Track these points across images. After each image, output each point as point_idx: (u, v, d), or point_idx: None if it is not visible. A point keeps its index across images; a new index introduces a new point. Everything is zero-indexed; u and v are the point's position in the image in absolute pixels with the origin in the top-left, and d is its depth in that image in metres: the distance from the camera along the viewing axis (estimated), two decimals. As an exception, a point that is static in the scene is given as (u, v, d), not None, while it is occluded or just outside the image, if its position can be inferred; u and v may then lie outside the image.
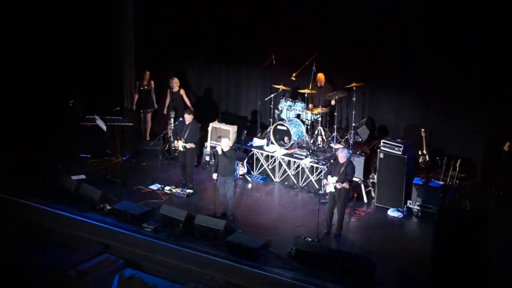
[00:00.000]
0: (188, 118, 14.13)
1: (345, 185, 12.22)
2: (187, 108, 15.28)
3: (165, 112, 16.18)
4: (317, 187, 13.97)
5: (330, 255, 11.52)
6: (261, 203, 13.98)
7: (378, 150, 13.77)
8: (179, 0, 17.37)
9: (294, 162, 14.67)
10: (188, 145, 13.98)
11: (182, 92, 16.09)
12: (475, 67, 14.10)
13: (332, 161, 12.66)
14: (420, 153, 14.09)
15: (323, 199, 12.87)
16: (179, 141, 14.06)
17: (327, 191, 12.45)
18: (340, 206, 12.50)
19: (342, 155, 12.38)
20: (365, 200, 14.01)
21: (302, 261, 11.64)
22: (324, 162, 14.17)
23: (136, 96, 16.50)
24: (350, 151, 13.95)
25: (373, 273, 11.29)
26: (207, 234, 12.28)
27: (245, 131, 15.20)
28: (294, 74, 15.20)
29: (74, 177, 14.29)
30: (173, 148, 14.94)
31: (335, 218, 12.65)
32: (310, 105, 15.05)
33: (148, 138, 16.50)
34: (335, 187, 12.25)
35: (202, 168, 15.09)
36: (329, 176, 12.40)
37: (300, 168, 14.62)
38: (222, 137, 13.66)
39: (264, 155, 15.06)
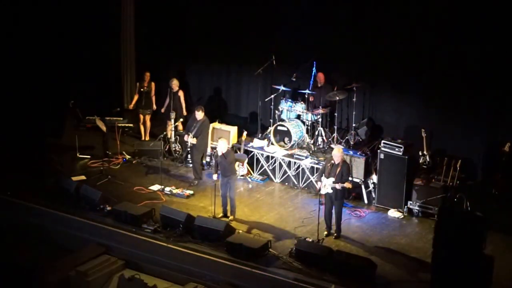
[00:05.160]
0: (197, 114, 14.34)
1: (347, 185, 12.19)
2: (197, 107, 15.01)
3: (162, 111, 16.18)
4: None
5: (331, 256, 11.50)
6: (261, 203, 13.97)
7: (379, 151, 13.75)
8: (179, 1, 17.36)
9: (295, 162, 14.65)
10: (190, 140, 14.27)
11: (180, 93, 16.05)
12: (476, 67, 14.08)
13: (323, 162, 12.56)
14: (420, 153, 14.06)
15: (323, 200, 12.84)
16: (188, 137, 14.29)
17: (323, 192, 12.42)
18: (337, 207, 12.48)
19: (338, 155, 12.34)
20: (366, 200, 13.99)
21: (303, 261, 11.62)
22: (324, 163, 14.12)
23: (136, 97, 16.49)
24: (351, 151, 14.01)
25: (374, 274, 11.27)
26: (207, 235, 12.26)
27: (246, 132, 15.17)
28: (294, 75, 15.19)
29: (74, 178, 14.29)
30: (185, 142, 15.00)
31: (334, 219, 12.63)
32: (311, 98, 14.99)
33: (147, 139, 16.50)
34: (333, 188, 12.22)
35: (203, 168, 15.08)
36: (323, 178, 12.37)
37: (300, 169, 14.60)
38: (219, 139, 13.63)
39: (264, 155, 15.05)
